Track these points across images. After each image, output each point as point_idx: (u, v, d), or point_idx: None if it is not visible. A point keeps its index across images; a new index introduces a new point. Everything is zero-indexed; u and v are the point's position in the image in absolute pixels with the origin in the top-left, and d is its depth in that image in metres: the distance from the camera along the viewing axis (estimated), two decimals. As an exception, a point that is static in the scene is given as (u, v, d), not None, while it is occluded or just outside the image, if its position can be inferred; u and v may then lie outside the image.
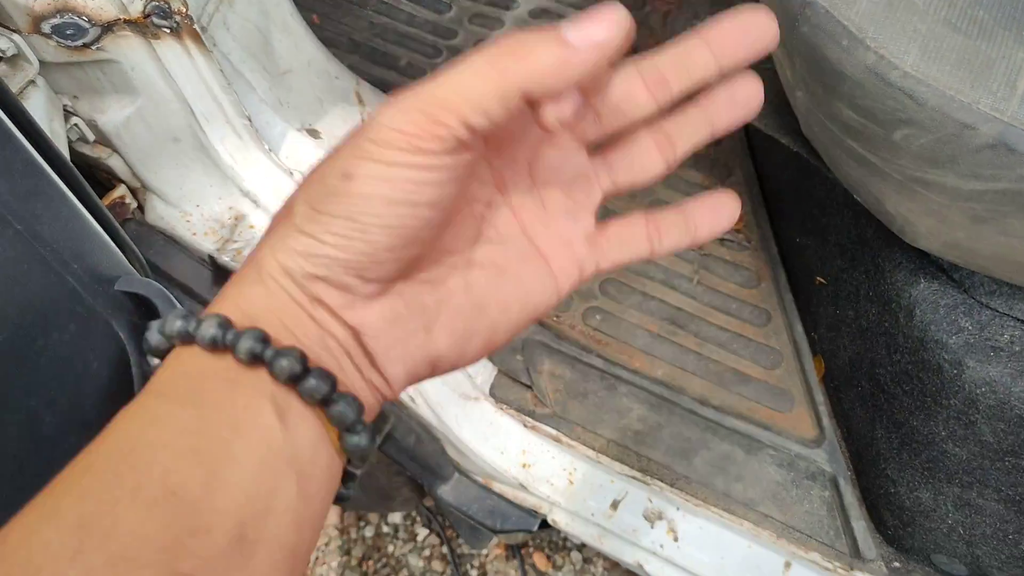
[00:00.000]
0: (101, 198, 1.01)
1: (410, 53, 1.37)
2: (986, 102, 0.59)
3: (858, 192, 0.76)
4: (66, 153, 0.90)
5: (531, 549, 1.60)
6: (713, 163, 1.24)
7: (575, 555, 1.59)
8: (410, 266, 0.35)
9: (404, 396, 1.06)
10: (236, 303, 0.34)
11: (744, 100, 0.39)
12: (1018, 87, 0.59)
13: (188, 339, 0.33)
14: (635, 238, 0.41)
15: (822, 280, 1.01)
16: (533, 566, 1.58)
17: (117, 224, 0.78)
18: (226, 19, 0.98)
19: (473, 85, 0.30)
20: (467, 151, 0.31)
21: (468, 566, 1.59)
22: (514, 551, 1.58)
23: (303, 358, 0.32)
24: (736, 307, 1.13)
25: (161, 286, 0.79)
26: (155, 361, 0.35)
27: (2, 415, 0.63)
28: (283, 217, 0.35)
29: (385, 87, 1.30)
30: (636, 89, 0.37)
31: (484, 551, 1.60)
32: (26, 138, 0.65)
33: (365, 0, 1.44)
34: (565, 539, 1.60)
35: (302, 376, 0.32)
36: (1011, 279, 0.71)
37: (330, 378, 0.33)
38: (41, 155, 0.67)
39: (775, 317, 1.12)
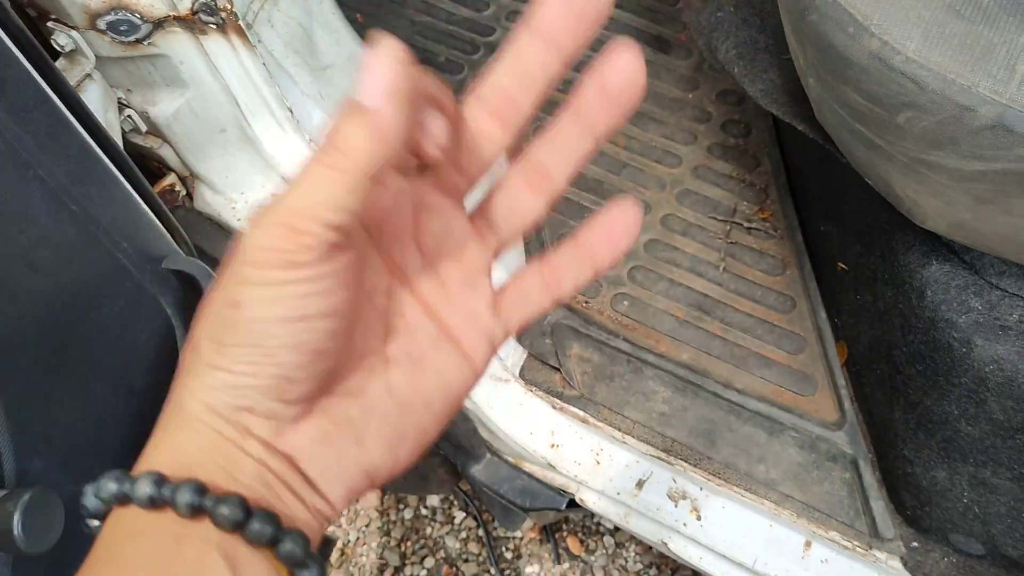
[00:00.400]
0: (152, 186, 1.08)
1: (448, 50, 1.42)
2: (986, 85, 0.61)
3: (868, 176, 0.78)
4: (120, 142, 0.96)
5: (565, 533, 1.63)
6: (742, 153, 1.27)
7: (608, 540, 1.62)
8: (328, 380, 0.34)
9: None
10: (168, 453, 0.33)
11: (619, 88, 0.34)
12: (1017, 70, 0.62)
13: (125, 500, 0.32)
14: (534, 291, 0.40)
15: (843, 266, 1.03)
16: (567, 550, 1.61)
17: (165, 207, 0.83)
18: (271, 16, 1.03)
19: (321, 187, 0.29)
20: (344, 252, 0.31)
21: (503, 548, 1.64)
22: (548, 535, 1.62)
23: (244, 502, 0.31)
24: (761, 294, 1.16)
25: (205, 265, 0.84)
26: (95, 523, 0.34)
27: (57, 382, 0.68)
28: (191, 355, 0.34)
29: (423, 81, 1.35)
30: (483, 123, 0.35)
31: (519, 534, 1.63)
32: (81, 126, 0.71)
33: (406, 0, 1.49)
34: (598, 524, 1.63)
35: (246, 521, 0.31)
36: (1018, 259, 0.73)
37: (273, 518, 0.32)
38: (95, 142, 0.72)
39: (800, 304, 1.14)
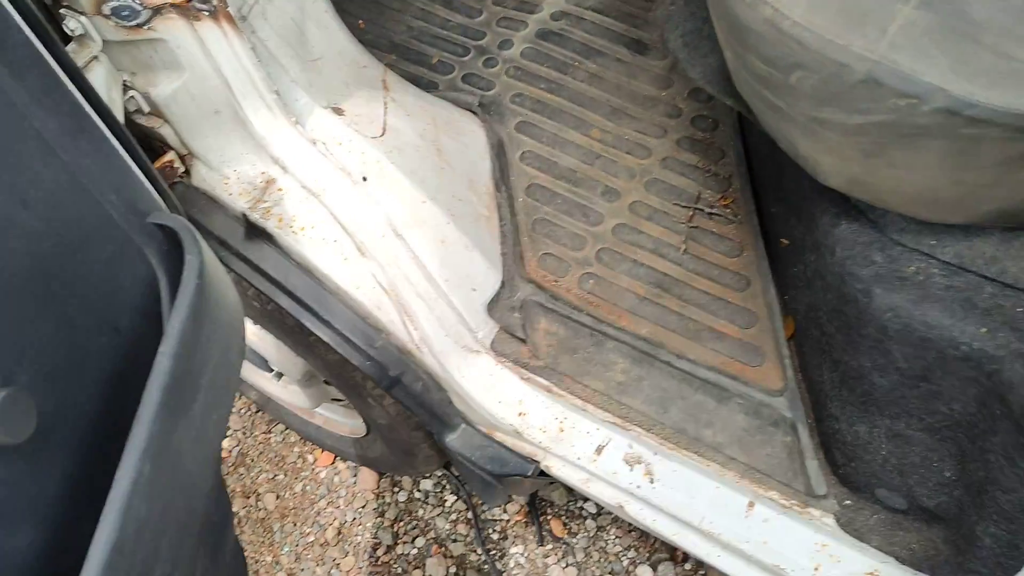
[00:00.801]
0: (153, 162, 1.18)
1: (441, 52, 1.52)
2: (859, 44, 0.69)
3: (779, 140, 0.86)
4: (121, 117, 1.07)
5: (549, 516, 1.70)
6: (709, 146, 1.34)
7: (589, 523, 1.68)
8: None
9: (411, 345, 1.18)
10: None
11: None
12: (888, 31, 0.70)
13: None
14: None
15: (785, 241, 1.10)
16: (550, 532, 1.68)
17: (153, 168, 0.93)
18: (265, 11, 1.14)
19: None
20: None
21: (490, 530, 1.70)
22: (533, 518, 1.68)
23: None
24: (718, 273, 1.23)
25: (187, 222, 0.94)
26: None
27: (43, 309, 0.78)
28: None
29: (416, 81, 1.45)
30: None
31: (505, 516, 1.70)
32: (77, 90, 0.81)
33: (405, 7, 1.59)
34: (581, 508, 1.69)
35: None
36: (907, 211, 0.80)
37: None
38: (90, 105, 0.82)
39: (754, 282, 1.21)
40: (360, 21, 1.57)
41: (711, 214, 1.28)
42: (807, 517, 1.06)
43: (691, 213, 1.29)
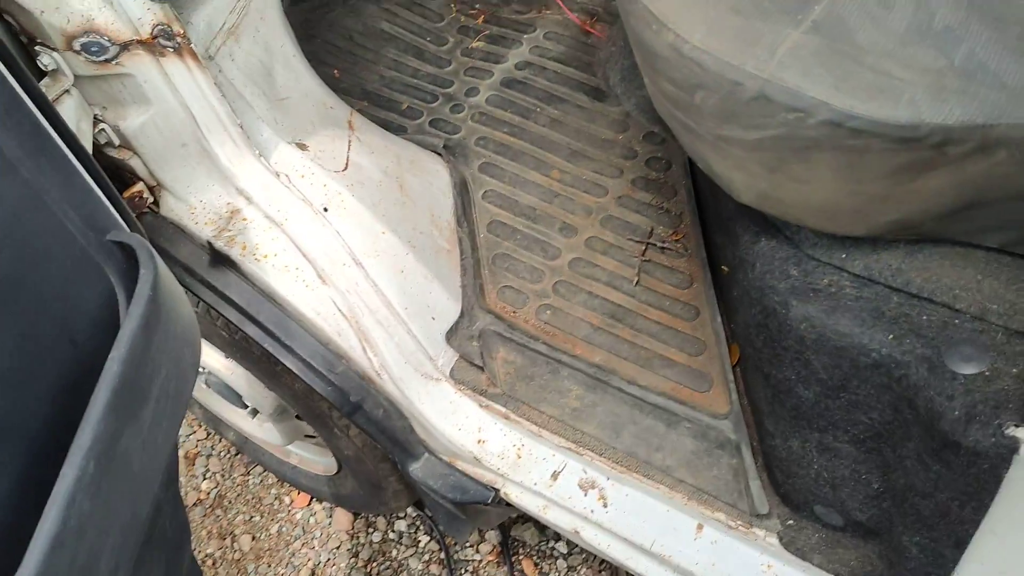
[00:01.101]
0: (122, 193, 1.24)
1: (411, 99, 1.59)
2: (751, 64, 0.75)
3: (697, 160, 0.91)
4: (89, 147, 1.12)
5: (520, 557, 1.70)
6: (662, 185, 1.40)
7: (560, 563, 1.69)
8: None
9: (371, 372, 1.22)
10: None
11: None
12: (777, 53, 0.75)
13: None
14: None
15: (725, 268, 1.14)
16: (522, 572, 1.68)
17: (115, 191, 0.98)
18: (232, 52, 1.21)
19: None
20: None
21: (463, 571, 1.71)
22: (505, 558, 1.69)
23: None
24: (669, 304, 1.27)
25: (145, 241, 0.99)
26: None
27: (2, 316, 0.82)
28: None
29: (386, 125, 1.52)
30: None
31: (478, 557, 1.71)
32: (38, 111, 0.87)
33: (378, 58, 1.67)
34: (552, 548, 1.70)
35: None
36: (815, 225, 0.84)
37: None
38: (51, 126, 0.88)
39: (703, 312, 1.25)
40: (335, 70, 1.64)
41: (663, 248, 1.33)
42: (752, 538, 1.08)
43: (644, 248, 1.33)
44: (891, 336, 0.83)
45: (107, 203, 0.99)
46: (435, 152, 1.48)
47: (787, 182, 0.80)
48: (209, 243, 1.18)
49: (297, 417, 1.59)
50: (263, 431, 1.65)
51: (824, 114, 0.71)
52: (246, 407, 1.57)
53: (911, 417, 0.83)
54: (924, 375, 0.80)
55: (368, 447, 1.40)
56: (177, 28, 1.03)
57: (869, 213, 0.79)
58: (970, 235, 0.82)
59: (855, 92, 0.71)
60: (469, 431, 1.27)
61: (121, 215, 1.01)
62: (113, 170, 1.18)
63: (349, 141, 1.33)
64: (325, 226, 1.18)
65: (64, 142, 0.92)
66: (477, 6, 1.76)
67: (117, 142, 1.15)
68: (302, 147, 1.25)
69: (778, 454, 1.02)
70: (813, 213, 0.82)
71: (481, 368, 1.27)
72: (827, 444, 0.95)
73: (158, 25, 1.03)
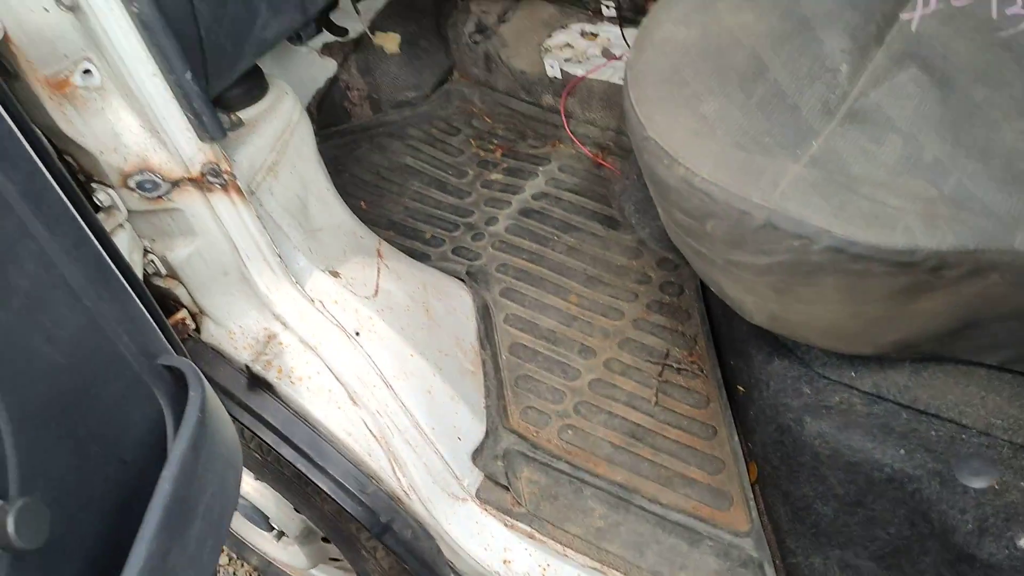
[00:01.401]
0: (168, 318, 1.30)
1: (434, 228, 1.68)
2: (757, 196, 0.82)
3: (710, 284, 0.97)
4: (140, 276, 1.20)
5: None
6: (676, 309, 1.46)
7: None
8: None
9: (400, 492, 1.26)
10: None
11: None
12: (780, 185, 0.82)
13: None
14: None
15: (741, 388, 1.19)
16: None
17: (165, 319, 1.05)
18: (272, 187, 1.30)
19: None
20: None
21: None
22: None
23: None
24: (687, 423, 1.31)
25: (193, 365, 1.05)
26: None
27: (58, 431, 0.87)
28: None
29: (411, 253, 1.60)
30: None
31: None
32: (101, 247, 0.94)
33: (403, 190, 1.77)
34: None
35: None
36: (823, 344, 0.90)
37: None
38: (111, 259, 0.96)
39: (720, 431, 1.29)
40: (362, 202, 1.74)
41: (679, 369, 1.38)
42: (778, 657, 1.08)
43: (661, 369, 1.39)
44: (902, 451, 0.87)
45: (157, 329, 1.06)
46: (458, 278, 1.56)
47: (795, 304, 0.86)
48: (247, 367, 1.24)
49: (323, 539, 1.60)
50: (288, 554, 1.67)
51: (827, 241, 0.78)
52: (272, 529, 1.60)
53: (927, 531, 0.86)
54: (936, 489, 0.84)
55: (395, 570, 1.41)
56: (225, 166, 1.12)
57: (874, 333, 0.85)
58: (970, 353, 0.87)
59: (854, 220, 0.78)
60: (495, 551, 1.29)
61: (168, 340, 1.08)
62: (159, 298, 1.25)
63: (378, 268, 1.40)
64: (357, 349, 1.24)
65: (120, 271, 0.99)
66: (495, 141, 1.87)
67: (164, 272, 1.22)
68: (335, 274, 1.32)
69: (801, 572, 1.04)
70: (821, 334, 0.88)
71: (506, 488, 1.30)
72: (848, 561, 0.97)
73: (207, 163, 1.11)
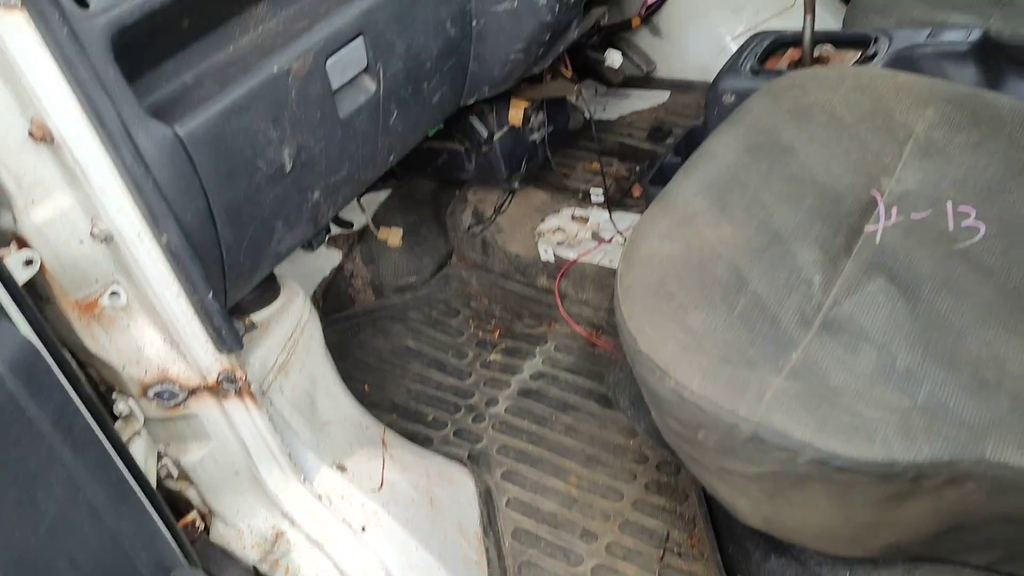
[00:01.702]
0: (178, 521, 1.33)
1: (436, 410, 1.73)
2: (743, 409, 0.88)
3: (705, 486, 1.02)
4: (153, 483, 1.23)
5: None
6: (673, 489, 1.49)
7: None
8: None
9: None
10: None
11: None
12: (764, 398, 0.88)
13: None
14: None
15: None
16: None
17: (179, 528, 1.08)
18: (282, 386, 1.35)
19: None
20: None
21: None
22: None
23: None
24: (691, 608, 1.32)
25: (203, 574, 1.07)
26: None
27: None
28: None
29: (414, 437, 1.64)
30: None
31: None
32: (122, 463, 0.99)
33: (405, 372, 1.83)
34: None
35: None
36: (817, 547, 0.93)
37: None
38: (130, 475, 1.00)
39: (723, 614, 1.30)
40: (366, 385, 1.80)
41: (680, 553, 1.40)
42: None
43: (662, 553, 1.41)
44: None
45: (170, 538, 1.09)
46: (460, 462, 1.59)
47: (787, 508, 0.90)
48: (255, 568, 1.26)
49: None
50: None
51: (810, 454, 0.83)
52: None
53: None
54: None
55: None
56: (240, 373, 1.18)
57: (863, 538, 0.89)
58: (958, 554, 0.91)
59: (835, 433, 0.84)
60: None
61: (180, 547, 1.11)
62: (170, 501, 1.28)
63: (383, 459, 1.44)
64: (363, 545, 1.27)
65: (138, 485, 1.03)
66: (493, 322, 1.95)
67: (176, 474, 1.26)
68: (341, 468, 1.36)
69: None
70: (814, 537, 0.92)
71: None
72: None
73: (224, 371, 1.17)
